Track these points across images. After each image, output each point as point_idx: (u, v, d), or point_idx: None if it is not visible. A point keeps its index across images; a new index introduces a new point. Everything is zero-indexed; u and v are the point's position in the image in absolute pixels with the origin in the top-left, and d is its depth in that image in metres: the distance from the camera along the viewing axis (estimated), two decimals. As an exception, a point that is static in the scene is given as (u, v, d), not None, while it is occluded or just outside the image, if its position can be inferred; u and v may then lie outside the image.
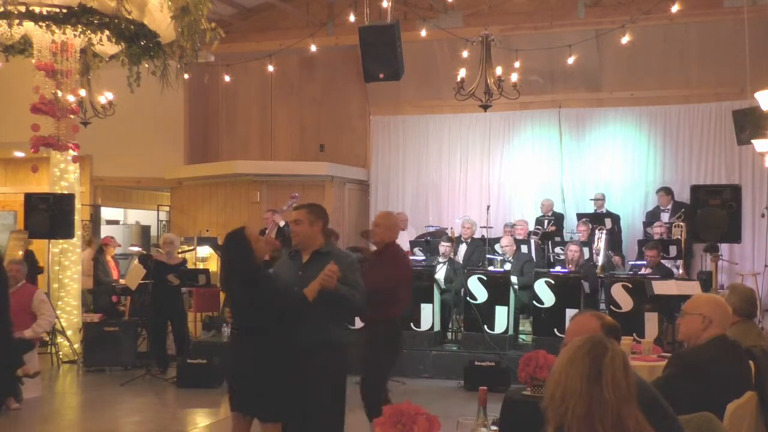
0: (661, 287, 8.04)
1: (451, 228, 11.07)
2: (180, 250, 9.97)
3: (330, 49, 12.57)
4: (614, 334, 2.88)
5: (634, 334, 7.44)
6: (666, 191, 10.85)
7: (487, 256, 10.18)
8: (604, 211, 11.13)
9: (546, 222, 11.22)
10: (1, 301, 5.37)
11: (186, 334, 9.39)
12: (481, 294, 8.93)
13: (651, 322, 8.28)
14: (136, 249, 12.03)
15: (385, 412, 2.41)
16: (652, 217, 10.85)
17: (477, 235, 10.89)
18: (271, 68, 11.28)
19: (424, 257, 10.14)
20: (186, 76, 9.62)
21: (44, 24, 8.35)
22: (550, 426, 2.15)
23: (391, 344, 5.50)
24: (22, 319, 7.66)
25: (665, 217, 10.64)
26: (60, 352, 9.50)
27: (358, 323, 7.16)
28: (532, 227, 11.24)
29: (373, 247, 5.69)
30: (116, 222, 15.98)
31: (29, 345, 7.59)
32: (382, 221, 5.62)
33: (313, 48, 11.28)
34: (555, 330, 8.50)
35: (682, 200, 10.63)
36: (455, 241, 10.34)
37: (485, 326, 8.84)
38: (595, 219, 10.68)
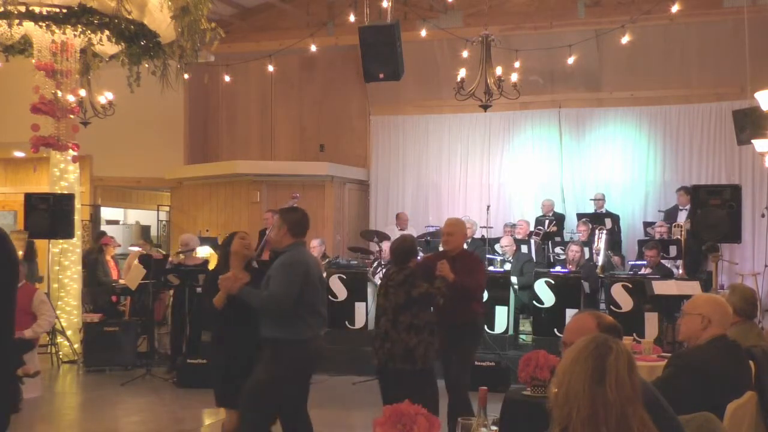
0: (661, 287, 8.05)
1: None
2: (178, 251, 9.95)
3: (330, 49, 12.57)
4: (614, 334, 2.87)
5: (634, 334, 7.44)
6: (686, 190, 10.75)
7: (487, 256, 10.18)
8: (604, 211, 11.13)
9: (547, 222, 11.22)
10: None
11: (200, 334, 9.39)
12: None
13: (651, 322, 8.28)
14: (136, 249, 12.02)
15: (385, 412, 2.41)
16: (669, 215, 10.80)
17: (477, 235, 10.90)
18: (271, 68, 11.28)
19: (424, 257, 10.14)
20: (186, 76, 9.61)
21: (44, 24, 8.35)
22: (555, 426, 2.14)
23: (478, 341, 6.03)
24: (22, 319, 7.65)
25: (683, 215, 10.60)
26: (60, 352, 9.50)
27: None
28: (532, 227, 11.25)
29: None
30: (116, 222, 15.99)
31: (29, 345, 7.60)
32: (456, 229, 5.83)
33: (313, 48, 11.28)
34: (555, 330, 8.50)
35: (681, 200, 10.63)
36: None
37: (485, 326, 8.82)
38: (595, 219, 10.68)
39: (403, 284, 5.19)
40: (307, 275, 4.50)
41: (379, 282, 5.53)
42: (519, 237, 10.54)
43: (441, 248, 5.96)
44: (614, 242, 10.69)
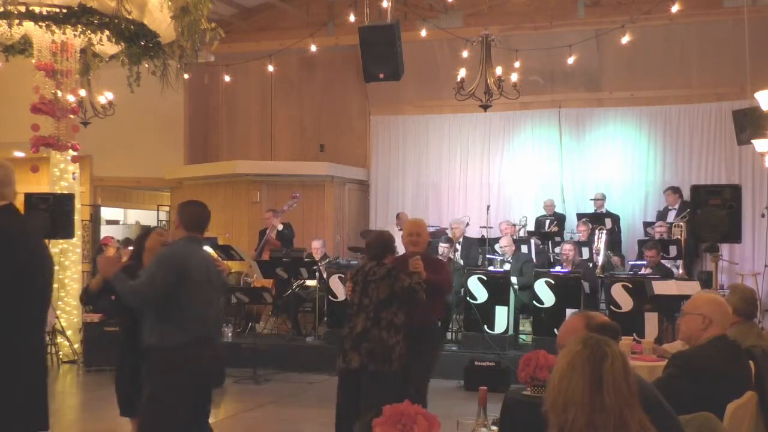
0: (661, 287, 8.05)
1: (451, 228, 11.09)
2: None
3: (330, 49, 12.57)
4: (608, 334, 2.84)
5: (634, 334, 7.43)
6: (673, 190, 10.84)
7: (487, 256, 10.19)
8: (604, 211, 11.13)
9: (548, 222, 11.22)
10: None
11: None
12: (481, 294, 8.93)
13: (651, 322, 8.28)
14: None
15: (385, 412, 2.41)
16: (660, 216, 10.82)
17: (476, 235, 10.92)
18: (271, 68, 11.29)
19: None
20: (186, 76, 9.62)
21: (44, 24, 8.34)
22: (552, 431, 2.14)
23: (439, 346, 5.90)
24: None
25: (672, 215, 10.63)
26: (60, 352, 9.50)
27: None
28: (532, 228, 11.26)
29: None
30: (116, 222, 15.98)
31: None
32: (424, 230, 5.65)
33: (313, 48, 11.29)
34: (555, 330, 8.49)
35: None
36: (454, 242, 10.35)
37: (485, 326, 8.84)
38: (595, 219, 10.68)
39: (386, 278, 4.95)
40: (183, 273, 4.03)
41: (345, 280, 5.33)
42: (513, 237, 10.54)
43: (408, 250, 5.59)
44: (613, 242, 10.70)
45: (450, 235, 10.56)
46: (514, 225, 11.14)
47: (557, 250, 10.40)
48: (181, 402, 4.01)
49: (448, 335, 9.62)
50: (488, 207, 11.29)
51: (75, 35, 8.50)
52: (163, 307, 4.02)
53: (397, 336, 4.93)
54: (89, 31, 8.45)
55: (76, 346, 9.65)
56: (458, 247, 10.38)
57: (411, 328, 5.18)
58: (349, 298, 5.19)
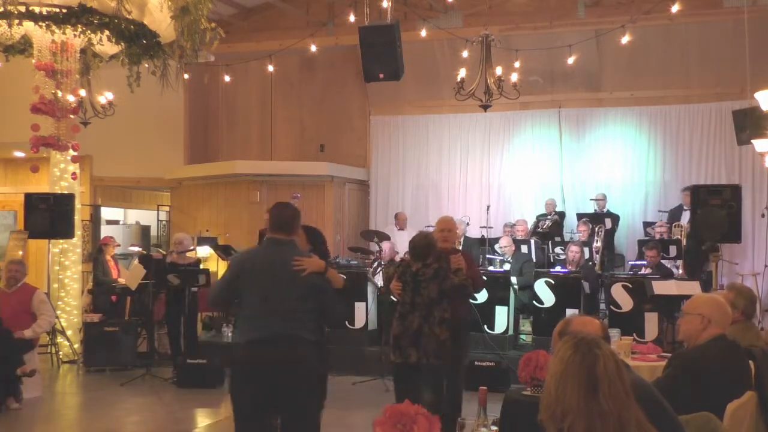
0: (661, 287, 8.05)
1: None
2: (171, 250, 9.92)
3: (330, 49, 12.57)
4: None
5: (634, 334, 7.44)
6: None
7: (487, 256, 10.19)
8: (606, 211, 11.12)
9: (548, 222, 11.21)
10: None
11: (196, 333, 9.39)
12: (481, 294, 8.92)
13: (651, 322, 8.29)
14: (136, 249, 12.03)
15: (385, 412, 2.41)
16: (673, 216, 10.75)
17: (476, 235, 10.92)
18: (271, 68, 11.28)
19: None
20: (186, 76, 9.62)
21: (44, 24, 8.34)
22: None
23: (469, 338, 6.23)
24: (22, 319, 7.67)
25: (686, 216, 10.59)
26: (60, 352, 9.50)
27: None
28: (531, 226, 11.26)
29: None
30: (116, 222, 15.98)
31: (29, 345, 7.60)
32: (454, 226, 6.12)
33: (313, 48, 11.28)
34: (555, 330, 8.50)
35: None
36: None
37: (485, 326, 8.84)
38: (594, 219, 10.68)
39: (435, 278, 5.29)
40: (240, 273, 4.00)
41: (380, 280, 5.59)
42: (519, 237, 10.53)
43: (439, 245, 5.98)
44: (611, 241, 10.68)
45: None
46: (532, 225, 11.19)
47: (557, 250, 10.40)
48: (235, 398, 3.99)
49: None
50: (488, 207, 11.30)
51: (75, 35, 8.49)
52: (236, 308, 4.29)
53: (448, 331, 5.28)
54: (89, 31, 8.43)
55: (76, 346, 9.65)
56: (459, 247, 10.38)
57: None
58: (398, 297, 5.49)
